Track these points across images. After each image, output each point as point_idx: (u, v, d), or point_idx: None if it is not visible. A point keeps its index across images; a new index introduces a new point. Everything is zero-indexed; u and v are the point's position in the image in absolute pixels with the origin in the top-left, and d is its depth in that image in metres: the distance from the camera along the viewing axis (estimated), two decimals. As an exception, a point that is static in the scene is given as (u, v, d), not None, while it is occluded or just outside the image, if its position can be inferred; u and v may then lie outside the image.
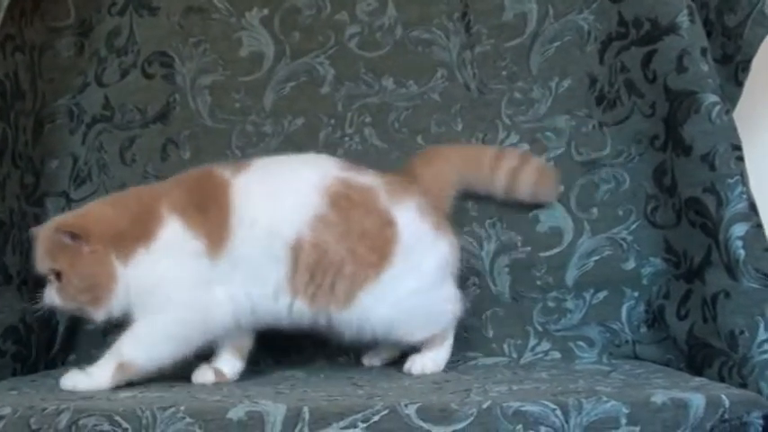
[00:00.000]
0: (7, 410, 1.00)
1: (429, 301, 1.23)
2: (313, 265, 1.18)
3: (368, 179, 1.23)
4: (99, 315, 1.17)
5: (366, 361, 1.32)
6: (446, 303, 1.25)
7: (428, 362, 1.25)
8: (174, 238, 1.17)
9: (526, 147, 1.40)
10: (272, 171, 1.22)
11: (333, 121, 1.42)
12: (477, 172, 1.34)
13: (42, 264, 1.18)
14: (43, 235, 1.19)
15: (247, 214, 1.17)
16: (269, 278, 1.18)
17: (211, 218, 1.18)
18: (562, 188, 1.38)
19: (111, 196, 1.28)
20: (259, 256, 1.17)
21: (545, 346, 1.37)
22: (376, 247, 1.19)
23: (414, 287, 1.21)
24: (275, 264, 1.18)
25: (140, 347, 1.16)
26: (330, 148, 1.41)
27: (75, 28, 1.45)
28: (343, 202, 1.20)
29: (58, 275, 1.17)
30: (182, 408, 0.98)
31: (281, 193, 1.19)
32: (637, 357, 1.35)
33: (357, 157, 1.39)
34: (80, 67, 1.45)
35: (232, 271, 1.17)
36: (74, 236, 1.15)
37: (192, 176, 1.24)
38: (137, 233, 1.17)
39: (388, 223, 1.21)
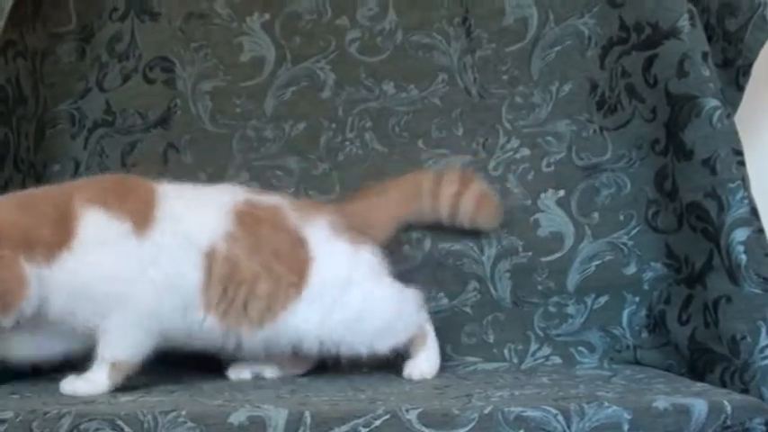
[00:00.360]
0: (9, 414, 1.00)
1: (366, 312, 1.23)
2: (225, 279, 1.18)
3: (272, 200, 1.25)
4: (7, 321, 1.11)
5: (232, 374, 1.28)
6: (390, 308, 1.25)
7: (422, 365, 1.25)
8: (97, 228, 1.14)
9: (527, 151, 1.39)
10: (187, 189, 1.23)
11: (334, 126, 1.42)
12: (417, 203, 1.33)
13: None
14: None
15: (170, 212, 1.17)
16: (186, 282, 1.17)
17: (133, 205, 1.17)
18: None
19: (8, 198, 1.18)
20: (178, 252, 1.16)
21: (546, 351, 1.37)
22: (293, 266, 1.20)
23: (341, 302, 1.21)
24: (192, 267, 1.17)
25: (120, 344, 1.15)
26: (331, 153, 1.41)
27: (77, 33, 1.45)
28: (248, 219, 1.21)
29: None
30: (183, 412, 0.98)
31: (196, 207, 1.20)
32: (638, 363, 1.35)
33: (358, 162, 1.41)
34: (81, 72, 1.45)
35: (158, 255, 1.16)
36: None
37: (107, 177, 1.26)
38: (54, 235, 1.12)
39: (299, 242, 1.22)
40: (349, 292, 1.22)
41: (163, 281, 1.15)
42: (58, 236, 1.12)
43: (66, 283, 1.12)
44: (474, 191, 1.34)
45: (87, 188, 1.19)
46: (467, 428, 0.97)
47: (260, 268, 1.19)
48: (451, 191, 1.33)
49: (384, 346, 1.24)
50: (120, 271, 1.14)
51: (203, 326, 1.18)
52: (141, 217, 1.16)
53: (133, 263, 1.14)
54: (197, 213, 1.19)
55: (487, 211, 1.35)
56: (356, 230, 1.26)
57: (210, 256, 1.17)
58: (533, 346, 1.37)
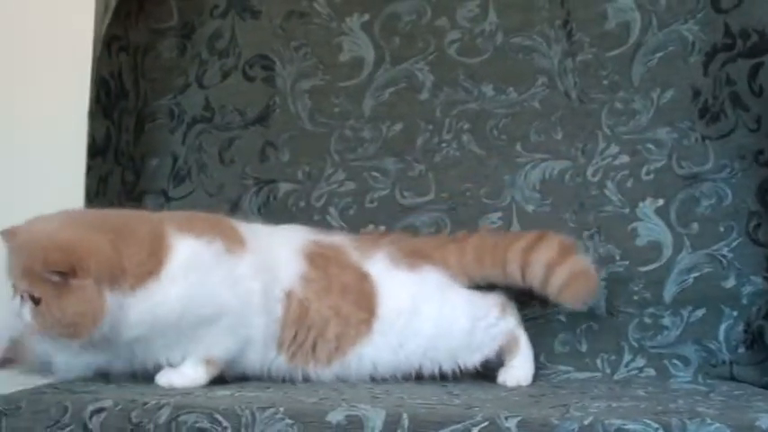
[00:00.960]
0: (109, 403, 1.01)
1: (439, 334, 1.23)
2: (297, 322, 1.19)
3: (335, 238, 1.28)
4: (74, 344, 1.10)
5: None
6: (464, 325, 1.24)
7: (517, 372, 1.25)
8: (189, 253, 1.13)
9: (626, 158, 1.37)
10: (261, 228, 1.25)
11: (431, 127, 1.42)
12: (496, 268, 1.27)
13: (17, 280, 1.08)
14: (21, 249, 1.09)
15: (256, 245, 1.19)
16: (272, 310, 1.19)
17: (223, 230, 1.18)
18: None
19: (101, 220, 1.15)
20: (267, 279, 1.18)
21: (639, 362, 1.34)
22: (361, 302, 1.22)
23: (412, 329, 1.22)
24: (276, 301, 1.19)
25: (215, 345, 1.16)
26: (428, 154, 1.42)
27: (178, 30, 1.48)
28: (318, 259, 1.22)
29: (36, 299, 1.07)
30: (281, 409, 0.98)
31: (276, 252, 1.22)
32: (733, 378, 1.31)
33: (454, 164, 1.41)
34: (182, 68, 1.48)
35: (259, 266, 1.17)
36: (62, 274, 1.06)
37: (190, 212, 1.25)
38: (143, 266, 1.10)
39: (363, 276, 1.23)
40: (418, 317, 1.22)
41: (258, 296, 1.17)
42: (148, 266, 1.11)
43: (157, 309, 1.11)
44: (573, 264, 1.26)
45: (174, 217, 1.20)
46: (566, 439, 0.95)
47: (330, 312, 1.21)
48: (547, 257, 1.26)
49: (470, 360, 1.24)
50: (214, 293, 1.14)
51: (273, 364, 1.20)
52: (232, 239, 1.18)
53: (228, 280, 1.15)
54: (277, 252, 1.21)
55: (580, 289, 1.26)
56: (415, 256, 1.26)
57: (289, 297, 1.20)
58: (627, 357, 1.35)
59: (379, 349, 1.22)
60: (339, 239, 1.28)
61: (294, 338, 1.20)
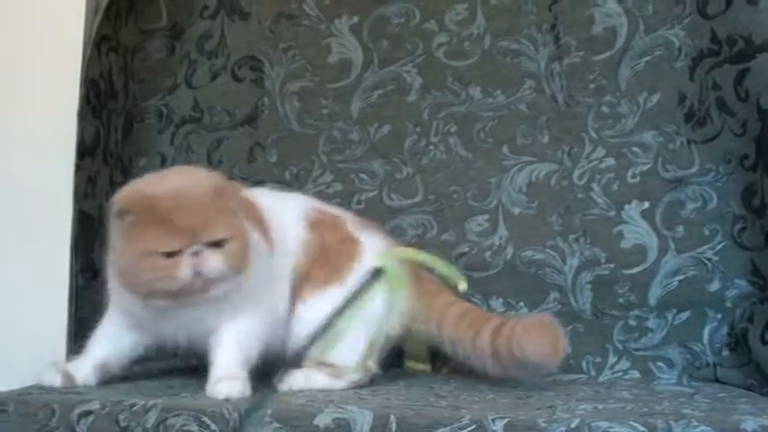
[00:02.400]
0: (96, 405, 1.01)
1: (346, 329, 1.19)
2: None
3: (337, 211, 1.28)
4: (244, 284, 1.09)
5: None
6: (356, 341, 1.19)
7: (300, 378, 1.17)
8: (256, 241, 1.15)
9: (612, 161, 1.38)
10: (273, 200, 1.24)
11: (418, 129, 1.43)
12: (466, 331, 1.24)
13: (197, 235, 1.05)
14: (185, 205, 1.06)
15: (274, 232, 1.19)
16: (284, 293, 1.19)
17: (262, 230, 1.18)
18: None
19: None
20: (283, 268, 1.19)
21: (624, 364, 1.35)
22: (335, 262, 1.20)
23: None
24: (287, 281, 1.19)
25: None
26: (415, 157, 1.42)
27: (167, 30, 1.48)
28: (318, 225, 1.22)
29: (218, 243, 1.07)
30: (269, 411, 0.98)
31: (284, 222, 1.21)
32: (717, 380, 1.32)
33: (441, 166, 1.42)
34: (171, 68, 1.48)
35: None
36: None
37: None
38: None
39: (350, 239, 1.23)
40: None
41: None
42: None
43: None
44: (536, 317, 1.24)
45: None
46: (553, 441, 0.96)
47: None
48: (514, 321, 1.21)
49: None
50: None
51: None
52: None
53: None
54: (286, 230, 1.21)
55: (543, 337, 1.18)
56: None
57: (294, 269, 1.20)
58: (611, 359, 1.35)
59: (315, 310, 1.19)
60: (340, 212, 1.28)
61: None
